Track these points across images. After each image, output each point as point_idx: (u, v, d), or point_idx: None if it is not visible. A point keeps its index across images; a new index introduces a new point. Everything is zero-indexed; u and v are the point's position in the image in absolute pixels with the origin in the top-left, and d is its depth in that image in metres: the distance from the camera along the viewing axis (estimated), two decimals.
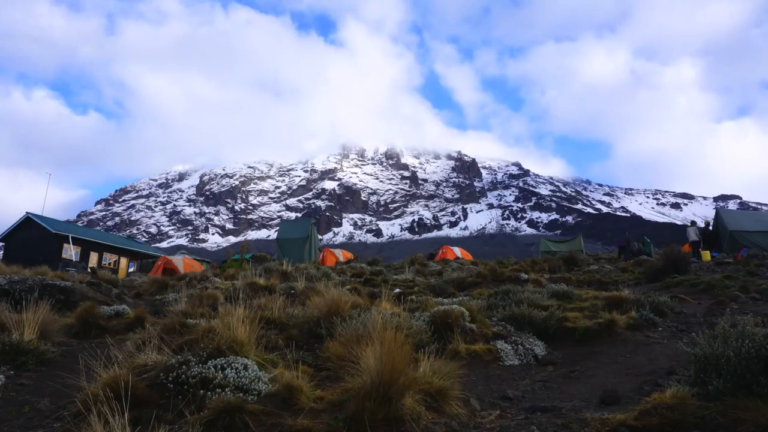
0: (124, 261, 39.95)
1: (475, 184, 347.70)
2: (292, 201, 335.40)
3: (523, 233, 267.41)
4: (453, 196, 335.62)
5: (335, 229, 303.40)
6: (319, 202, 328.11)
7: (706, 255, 19.03)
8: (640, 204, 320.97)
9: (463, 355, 5.23)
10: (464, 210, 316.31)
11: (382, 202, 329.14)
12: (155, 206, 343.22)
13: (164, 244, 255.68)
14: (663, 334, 6.29)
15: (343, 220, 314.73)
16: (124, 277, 21.01)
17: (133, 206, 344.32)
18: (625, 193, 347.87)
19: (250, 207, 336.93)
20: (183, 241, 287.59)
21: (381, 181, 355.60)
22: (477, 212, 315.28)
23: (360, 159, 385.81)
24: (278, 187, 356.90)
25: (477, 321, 6.07)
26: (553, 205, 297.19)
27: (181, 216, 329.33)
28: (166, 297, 9.60)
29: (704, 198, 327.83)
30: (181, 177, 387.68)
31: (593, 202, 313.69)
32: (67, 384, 3.93)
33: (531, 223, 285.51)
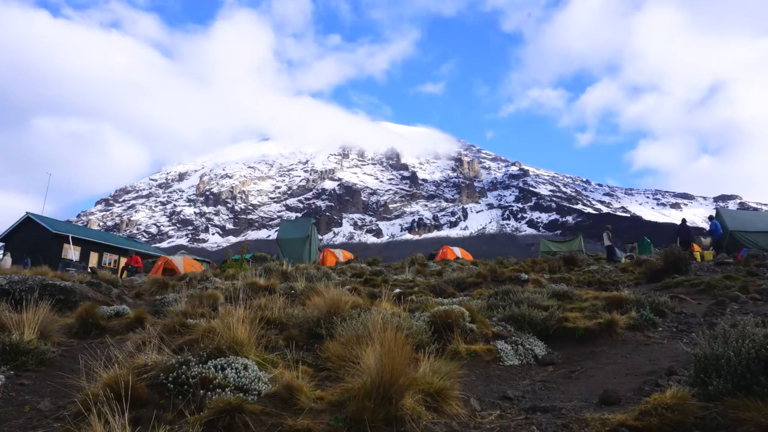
0: (124, 261, 39.92)
1: (475, 184, 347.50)
2: (292, 201, 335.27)
3: (523, 233, 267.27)
4: (453, 196, 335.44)
5: (335, 229, 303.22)
6: (319, 202, 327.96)
7: (709, 255, 19.03)
8: (640, 204, 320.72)
9: (463, 355, 5.23)
10: (464, 210, 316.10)
11: (382, 202, 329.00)
12: (155, 206, 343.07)
13: (164, 244, 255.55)
14: (663, 334, 6.29)
15: (343, 220, 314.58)
16: (124, 277, 21.01)
17: (133, 206, 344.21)
18: (625, 193, 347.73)
19: (250, 207, 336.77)
20: (183, 241, 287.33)
21: (381, 181, 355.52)
22: (477, 212, 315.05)
23: (360, 159, 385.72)
24: (278, 187, 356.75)
25: (477, 321, 6.07)
26: (553, 205, 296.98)
27: (181, 216, 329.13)
28: (167, 297, 9.60)
29: (704, 198, 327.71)
30: (181, 177, 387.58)
31: (593, 202, 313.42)
32: (67, 384, 3.93)
33: (531, 223, 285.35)
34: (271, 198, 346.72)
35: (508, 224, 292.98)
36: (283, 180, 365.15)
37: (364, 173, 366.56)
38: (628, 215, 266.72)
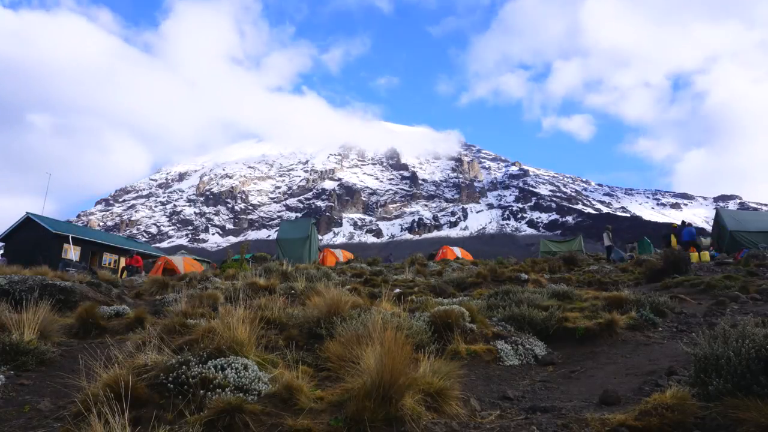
0: (124, 261, 39.91)
1: (475, 184, 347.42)
2: (292, 201, 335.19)
3: (523, 233, 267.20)
4: (453, 196, 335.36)
5: (335, 229, 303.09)
6: (319, 202, 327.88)
7: (705, 255, 19.04)
8: (640, 204, 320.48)
9: (463, 356, 5.23)
10: (464, 210, 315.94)
11: (382, 202, 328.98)
12: (155, 206, 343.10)
13: (164, 244, 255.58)
14: (663, 334, 6.30)
15: (343, 220, 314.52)
16: (125, 277, 21.01)
17: (133, 206, 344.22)
18: (624, 193, 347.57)
19: (250, 207, 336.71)
20: (183, 241, 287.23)
21: (381, 181, 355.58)
22: (477, 212, 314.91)
23: (360, 159, 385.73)
24: (278, 187, 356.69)
25: (477, 321, 6.07)
26: (553, 205, 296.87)
27: (181, 216, 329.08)
28: (167, 297, 9.61)
29: (704, 198, 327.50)
30: (181, 177, 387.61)
31: (593, 202, 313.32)
32: (67, 384, 3.93)
33: (531, 223, 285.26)
34: (271, 198, 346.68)
35: (508, 224, 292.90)
36: (283, 180, 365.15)
37: (364, 173, 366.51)
38: (628, 215, 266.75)
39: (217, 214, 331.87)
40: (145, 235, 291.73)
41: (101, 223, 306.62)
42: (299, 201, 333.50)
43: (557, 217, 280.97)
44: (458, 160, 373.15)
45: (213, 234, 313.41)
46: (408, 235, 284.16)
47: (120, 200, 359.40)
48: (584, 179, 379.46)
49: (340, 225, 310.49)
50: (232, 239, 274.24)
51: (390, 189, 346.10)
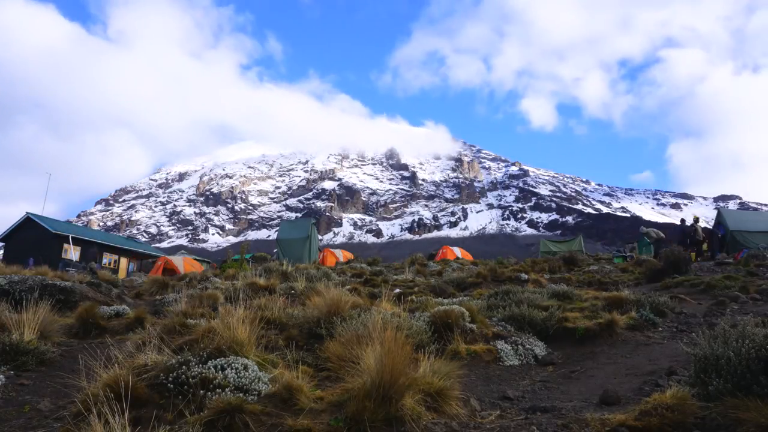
0: (124, 261, 39.93)
1: (475, 184, 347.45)
2: (292, 201, 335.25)
3: (523, 233, 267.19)
4: (453, 196, 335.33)
5: (335, 229, 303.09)
6: (319, 203, 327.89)
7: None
8: (640, 204, 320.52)
9: (463, 356, 5.23)
10: (464, 210, 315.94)
11: (382, 202, 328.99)
12: (155, 206, 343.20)
13: (164, 244, 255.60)
14: (663, 334, 6.30)
15: (343, 220, 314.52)
16: (124, 277, 21.01)
17: (133, 206, 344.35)
18: (625, 193, 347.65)
19: (250, 207, 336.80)
20: (183, 241, 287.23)
21: (381, 181, 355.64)
22: (477, 212, 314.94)
23: (360, 159, 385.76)
24: (278, 187, 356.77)
25: (477, 321, 6.07)
26: (553, 205, 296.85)
27: (181, 216, 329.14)
28: (166, 297, 9.62)
29: (704, 198, 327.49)
30: (181, 177, 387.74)
31: (593, 202, 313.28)
32: (67, 384, 3.93)
33: (531, 223, 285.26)
34: (271, 198, 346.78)
35: (508, 224, 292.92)
36: (283, 180, 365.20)
37: (364, 173, 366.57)
38: (628, 215, 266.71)
39: (217, 214, 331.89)
40: (145, 235, 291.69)
41: (101, 223, 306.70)
42: (299, 201, 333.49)
43: (557, 217, 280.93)
44: (458, 160, 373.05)
45: (213, 234, 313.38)
46: (408, 235, 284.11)
47: (120, 200, 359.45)
48: (584, 179, 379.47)
49: (340, 225, 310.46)
50: (232, 239, 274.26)
51: (390, 189, 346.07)
